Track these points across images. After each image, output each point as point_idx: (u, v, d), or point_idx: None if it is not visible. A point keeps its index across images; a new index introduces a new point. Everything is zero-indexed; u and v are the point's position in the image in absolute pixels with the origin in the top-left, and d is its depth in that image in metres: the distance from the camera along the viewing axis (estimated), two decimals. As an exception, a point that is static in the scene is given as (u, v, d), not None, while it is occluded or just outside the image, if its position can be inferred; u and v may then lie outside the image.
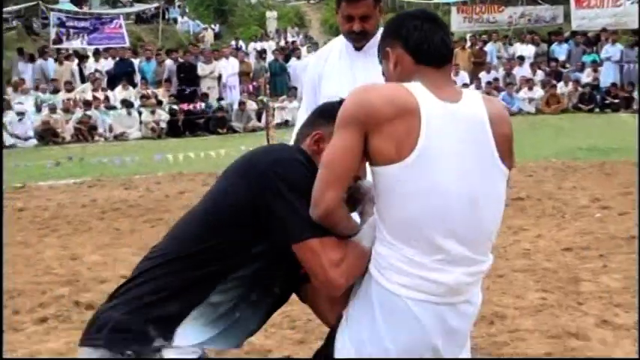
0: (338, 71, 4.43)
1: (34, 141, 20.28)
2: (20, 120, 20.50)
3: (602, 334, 5.28)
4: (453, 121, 2.67)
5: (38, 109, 21.30)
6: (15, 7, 32.50)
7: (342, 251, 2.67)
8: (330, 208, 2.60)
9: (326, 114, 2.97)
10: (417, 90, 2.65)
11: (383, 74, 2.93)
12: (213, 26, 40.91)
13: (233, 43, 32.22)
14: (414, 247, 2.66)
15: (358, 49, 4.35)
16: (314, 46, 27.98)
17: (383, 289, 2.67)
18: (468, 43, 27.11)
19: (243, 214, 2.66)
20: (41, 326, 5.84)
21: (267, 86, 19.00)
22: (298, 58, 25.81)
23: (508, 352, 5.05)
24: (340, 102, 2.82)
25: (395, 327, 2.67)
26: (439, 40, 2.78)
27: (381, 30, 4.14)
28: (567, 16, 27.74)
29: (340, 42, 4.54)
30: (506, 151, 2.80)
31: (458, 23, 29.79)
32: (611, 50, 24.56)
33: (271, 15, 44.08)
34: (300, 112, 4.80)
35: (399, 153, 2.60)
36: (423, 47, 2.75)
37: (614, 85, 23.62)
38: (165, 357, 2.64)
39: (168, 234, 2.92)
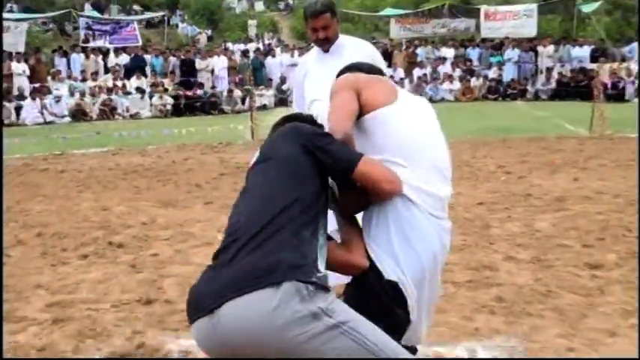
0: (315, 69, 4.46)
1: (68, 119, 19.91)
2: (57, 102, 20.18)
3: (508, 267, 5.37)
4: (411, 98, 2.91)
5: (71, 94, 20.96)
6: (50, 14, 32.00)
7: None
8: (348, 132, 2.61)
9: None
10: None
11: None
12: (206, 31, 40.57)
13: (222, 44, 31.93)
14: (417, 163, 2.70)
15: (326, 51, 4.42)
16: (285, 47, 27.98)
17: (396, 210, 2.66)
18: (404, 47, 27.11)
19: (310, 166, 2.53)
20: (84, 261, 5.82)
21: (251, 78, 18.88)
22: (273, 56, 25.89)
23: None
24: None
25: (414, 237, 2.65)
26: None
27: (340, 35, 4.45)
28: (478, 27, 27.77)
29: (315, 49, 4.60)
30: None
31: (396, 32, 29.67)
32: (512, 53, 24.85)
33: (252, 22, 43.68)
34: (294, 99, 4.86)
35: (386, 101, 2.74)
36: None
37: (513, 80, 23.97)
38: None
39: (253, 199, 2.59)
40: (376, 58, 4.46)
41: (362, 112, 2.73)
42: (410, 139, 2.75)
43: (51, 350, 3.96)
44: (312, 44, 4.66)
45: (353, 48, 4.42)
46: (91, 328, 4.25)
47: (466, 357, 3.85)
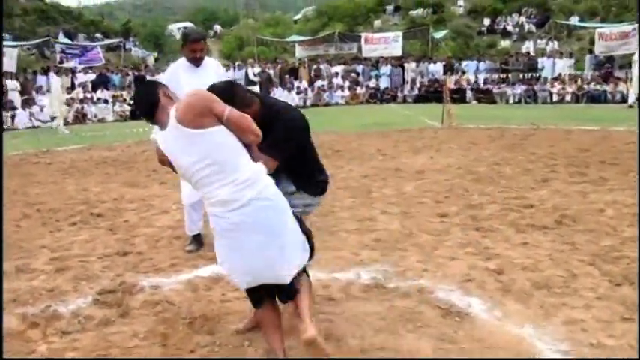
0: (188, 77, 4.64)
1: (51, 124, 19.14)
2: (42, 111, 19.49)
3: (383, 218, 5.60)
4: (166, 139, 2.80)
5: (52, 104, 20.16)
6: (33, 42, 30.71)
7: None
8: None
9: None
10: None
11: None
12: (154, 53, 39.59)
13: (167, 63, 31.31)
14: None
15: (198, 66, 4.74)
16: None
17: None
18: (306, 64, 27.21)
19: None
20: (74, 227, 5.84)
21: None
22: None
23: (335, 230, 5.26)
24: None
25: None
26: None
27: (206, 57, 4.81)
28: (360, 49, 28.13)
29: (182, 63, 4.81)
30: (190, 121, 2.66)
31: (299, 53, 29.75)
32: (385, 69, 25.26)
33: (189, 47, 42.87)
34: None
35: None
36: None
37: (387, 88, 24.45)
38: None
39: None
40: (220, 72, 4.95)
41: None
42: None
43: (57, 290, 4.05)
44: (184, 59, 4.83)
45: (212, 65, 4.86)
46: (84, 274, 4.34)
47: (353, 278, 4.09)
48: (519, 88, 21.87)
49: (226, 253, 2.82)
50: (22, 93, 20.73)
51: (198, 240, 5.01)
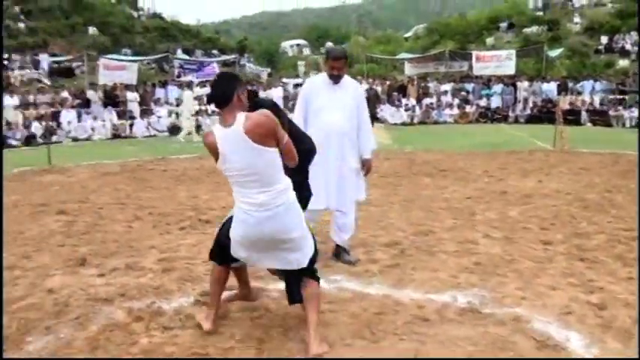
0: (324, 93, 4.88)
1: (166, 133, 20.29)
2: (158, 121, 20.68)
3: (485, 242, 5.52)
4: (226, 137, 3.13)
5: (169, 115, 21.38)
6: (153, 57, 32.75)
7: None
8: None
9: None
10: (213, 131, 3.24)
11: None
12: (267, 69, 40.99)
13: (279, 79, 32.25)
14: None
15: (336, 83, 4.86)
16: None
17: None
18: (415, 82, 27.06)
19: None
20: (182, 231, 6.14)
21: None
22: None
23: (435, 250, 5.26)
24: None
25: None
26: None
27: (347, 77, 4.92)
28: (470, 67, 27.63)
29: (323, 77, 4.97)
30: (256, 137, 3.07)
31: (409, 70, 29.69)
32: (497, 87, 24.62)
33: (301, 63, 43.93)
34: (295, 112, 5.05)
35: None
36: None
37: (498, 107, 23.77)
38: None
39: None
40: (357, 93, 5.05)
41: None
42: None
43: (163, 288, 4.31)
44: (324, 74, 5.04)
45: (352, 86, 5.02)
46: (189, 275, 4.58)
47: (449, 300, 4.05)
48: (637, 111, 20.56)
49: (239, 228, 3.28)
50: (140, 104, 22.02)
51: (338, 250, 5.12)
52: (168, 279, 4.53)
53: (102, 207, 7.54)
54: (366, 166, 5.05)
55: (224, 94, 3.17)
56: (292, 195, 3.29)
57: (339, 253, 5.07)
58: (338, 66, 4.82)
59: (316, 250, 3.48)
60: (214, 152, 3.20)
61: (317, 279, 3.49)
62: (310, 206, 4.80)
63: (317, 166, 4.70)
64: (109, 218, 6.88)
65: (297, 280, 3.42)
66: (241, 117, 3.10)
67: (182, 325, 3.66)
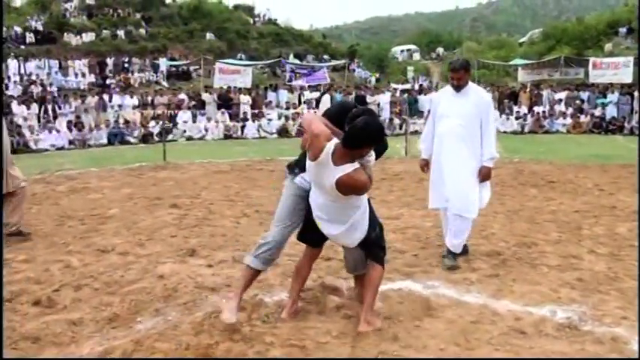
0: (446, 101, 5.27)
1: (276, 135, 20.83)
2: (269, 123, 21.33)
3: (589, 258, 5.33)
4: (324, 170, 3.42)
5: (279, 118, 21.90)
6: (266, 62, 33.83)
7: None
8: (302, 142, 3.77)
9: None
10: (327, 148, 3.40)
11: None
12: (376, 74, 41.12)
13: (387, 84, 32.28)
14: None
15: (457, 91, 5.16)
16: (435, 87, 27.69)
17: None
18: (527, 89, 26.14)
19: None
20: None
21: (407, 109, 19.02)
22: (424, 94, 25.31)
23: (537, 263, 5.17)
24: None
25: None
26: (359, 143, 3.39)
27: (470, 82, 5.16)
28: (586, 74, 26.30)
29: (449, 88, 5.30)
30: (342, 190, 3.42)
31: (522, 77, 28.82)
32: (612, 96, 23.31)
33: (410, 68, 43.77)
34: (427, 122, 5.59)
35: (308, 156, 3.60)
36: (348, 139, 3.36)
37: (613, 118, 22.48)
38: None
39: None
40: (482, 102, 5.17)
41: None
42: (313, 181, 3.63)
43: (265, 282, 4.52)
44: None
45: (476, 94, 5.20)
46: (291, 271, 4.63)
47: (548, 315, 3.98)
48: None
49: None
50: (252, 107, 22.76)
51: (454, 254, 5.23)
52: (272, 273, 4.73)
53: (212, 203, 7.96)
54: (481, 173, 5.14)
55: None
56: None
57: (445, 255, 5.20)
58: (457, 77, 5.11)
59: (377, 237, 3.79)
60: (310, 151, 3.48)
61: (381, 264, 3.81)
62: (430, 205, 5.44)
63: (437, 170, 5.25)
64: (218, 213, 7.27)
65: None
66: (348, 168, 3.39)
67: (281, 317, 3.85)
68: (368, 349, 3.40)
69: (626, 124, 21.88)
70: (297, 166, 3.86)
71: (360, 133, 3.31)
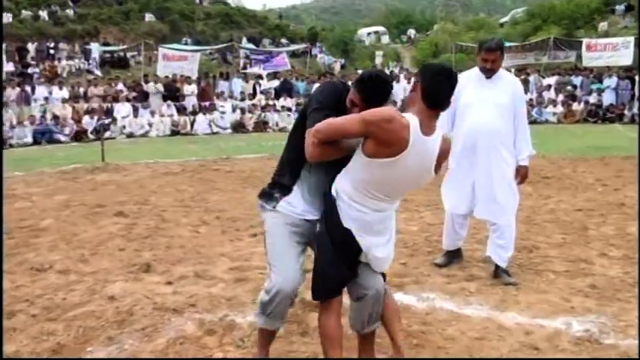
0: (473, 89, 4.92)
1: (230, 130, 20.75)
2: (222, 117, 21.16)
3: (601, 261, 5.39)
4: (422, 149, 2.90)
5: (232, 110, 21.77)
6: (216, 47, 33.57)
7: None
8: (315, 155, 2.97)
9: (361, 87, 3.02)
10: (413, 124, 2.85)
11: (412, 91, 3.05)
12: (340, 60, 41.17)
13: (353, 71, 32.31)
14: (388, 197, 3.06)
15: (488, 77, 4.89)
16: (407, 73, 27.70)
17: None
18: (512, 74, 26.38)
19: (302, 119, 3.22)
20: (254, 238, 6.25)
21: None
22: (397, 82, 25.28)
23: (541, 268, 5.20)
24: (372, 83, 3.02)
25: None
26: (444, 93, 2.96)
27: (501, 69, 4.90)
28: (579, 57, 26.75)
29: (475, 72, 5.01)
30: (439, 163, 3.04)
31: (505, 60, 29.10)
32: (610, 81, 23.75)
33: (379, 53, 43.89)
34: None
35: (392, 153, 2.85)
36: (431, 95, 2.92)
37: (611, 105, 22.91)
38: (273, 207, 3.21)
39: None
40: (517, 90, 4.98)
41: (363, 150, 2.91)
42: (394, 185, 3.03)
43: (236, 300, 4.44)
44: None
45: (508, 81, 4.97)
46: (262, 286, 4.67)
47: (562, 327, 3.97)
48: None
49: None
50: (202, 98, 22.57)
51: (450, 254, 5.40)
52: (242, 290, 4.66)
53: (164, 209, 7.81)
54: (520, 174, 5.00)
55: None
56: None
57: (498, 273, 5.03)
58: (492, 58, 4.81)
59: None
60: (389, 145, 2.91)
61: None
62: (451, 210, 5.28)
63: (461, 167, 5.00)
64: (173, 222, 7.12)
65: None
66: (439, 132, 3.03)
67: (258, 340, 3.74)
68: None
69: (626, 112, 22.30)
70: (275, 190, 3.25)
71: (433, 79, 2.97)
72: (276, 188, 3.24)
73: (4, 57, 25.71)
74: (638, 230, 5.57)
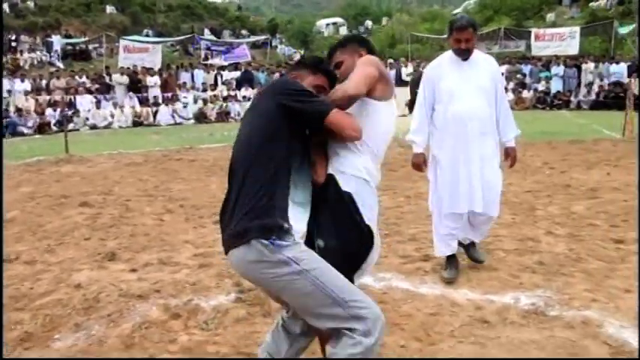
0: (451, 73, 4.44)
1: (192, 121, 20.65)
2: (184, 107, 20.99)
3: (548, 239, 5.51)
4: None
5: (195, 101, 21.60)
6: (177, 38, 33.20)
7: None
8: (360, 95, 2.61)
9: (310, 66, 2.78)
10: None
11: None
12: (300, 51, 41.09)
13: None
14: (379, 155, 2.78)
15: (465, 59, 4.41)
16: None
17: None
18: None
19: (283, 122, 2.48)
20: (216, 225, 6.15)
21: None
22: None
23: (492, 247, 5.28)
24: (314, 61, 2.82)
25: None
26: None
27: (479, 52, 4.49)
28: (528, 46, 27.17)
29: (449, 55, 4.51)
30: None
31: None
32: (557, 70, 24.18)
33: (338, 44, 43.91)
34: (417, 101, 4.65)
35: (387, 97, 2.76)
36: None
37: (559, 92, 23.33)
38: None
39: (237, 147, 2.62)
40: (494, 70, 4.59)
41: (369, 93, 2.69)
42: (384, 136, 2.81)
43: (200, 285, 4.45)
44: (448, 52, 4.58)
45: (486, 61, 4.53)
46: (228, 272, 4.66)
47: (511, 302, 4.07)
48: None
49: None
50: (164, 89, 22.33)
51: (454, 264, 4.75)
52: (206, 275, 4.67)
53: (128, 199, 7.76)
54: (511, 156, 4.72)
55: None
56: None
57: (469, 249, 4.83)
58: (465, 37, 4.31)
59: None
60: (389, 82, 2.85)
61: None
62: (449, 209, 4.56)
63: (455, 161, 4.46)
64: (137, 211, 7.09)
65: None
66: None
67: (222, 323, 3.79)
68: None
69: (572, 98, 22.78)
70: (278, 219, 2.45)
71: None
72: (277, 216, 2.45)
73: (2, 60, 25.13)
74: (638, 228, 5.69)
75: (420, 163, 4.63)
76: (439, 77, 4.46)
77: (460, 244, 4.80)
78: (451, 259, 4.71)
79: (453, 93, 4.41)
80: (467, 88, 4.39)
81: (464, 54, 4.38)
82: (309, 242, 2.59)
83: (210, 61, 27.22)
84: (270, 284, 2.48)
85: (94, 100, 20.87)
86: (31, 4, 36.82)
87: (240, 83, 23.97)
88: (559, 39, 25.96)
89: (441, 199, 4.59)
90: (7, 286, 4.59)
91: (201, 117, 20.78)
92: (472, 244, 4.84)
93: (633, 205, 6.42)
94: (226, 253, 2.52)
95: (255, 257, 2.39)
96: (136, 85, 22.02)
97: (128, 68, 23.12)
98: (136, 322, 3.83)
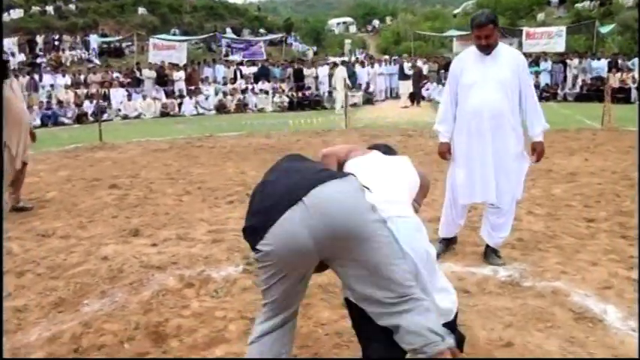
0: (473, 68, 4.21)
1: (213, 111, 20.64)
2: (206, 99, 21.01)
3: (528, 219, 5.53)
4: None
5: (216, 94, 21.56)
6: (201, 36, 33.18)
7: None
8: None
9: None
10: None
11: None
12: (313, 47, 40.96)
13: (325, 57, 32.15)
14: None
15: (487, 54, 4.16)
16: (372, 60, 27.68)
17: None
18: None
19: None
20: (230, 205, 6.35)
21: (347, 82, 19.07)
22: (362, 66, 25.42)
23: (477, 225, 5.11)
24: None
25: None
26: None
27: (500, 43, 4.20)
28: (520, 44, 26.95)
29: (472, 50, 4.26)
30: None
31: (457, 48, 29.14)
32: (546, 65, 24.02)
33: (347, 41, 43.76)
34: (444, 93, 4.52)
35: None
36: None
37: (547, 85, 23.18)
38: None
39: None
40: (519, 63, 4.24)
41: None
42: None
43: (212, 258, 4.51)
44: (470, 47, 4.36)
45: (510, 55, 4.23)
46: (237, 246, 4.74)
47: (490, 274, 4.12)
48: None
49: None
50: (188, 83, 22.29)
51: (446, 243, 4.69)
52: (218, 249, 4.72)
53: (152, 182, 7.84)
54: (537, 151, 4.44)
55: None
56: None
57: (487, 253, 4.48)
58: (485, 34, 4.06)
59: None
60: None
61: None
62: (462, 200, 4.44)
63: (470, 153, 4.26)
64: (159, 192, 7.16)
65: None
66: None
67: (231, 292, 3.85)
68: (318, 318, 3.43)
69: (559, 91, 22.66)
70: None
71: None
72: None
73: (16, 49, 25.20)
74: (638, 229, 5.71)
75: (444, 152, 4.46)
76: (461, 71, 4.26)
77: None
78: (446, 239, 4.69)
79: (471, 86, 4.19)
80: (486, 81, 4.15)
81: (485, 49, 4.15)
82: None
83: (230, 57, 27.18)
84: (364, 225, 2.12)
85: (126, 93, 20.93)
86: (72, 6, 36.96)
87: (257, 77, 23.90)
88: (547, 37, 25.79)
89: (455, 188, 4.47)
90: (44, 258, 4.71)
91: (221, 108, 20.76)
92: (489, 249, 4.50)
93: (633, 206, 6.36)
94: (303, 196, 2.07)
95: (361, 192, 2.17)
96: (163, 79, 22.04)
97: (156, 64, 23.17)
98: (155, 290, 3.90)
